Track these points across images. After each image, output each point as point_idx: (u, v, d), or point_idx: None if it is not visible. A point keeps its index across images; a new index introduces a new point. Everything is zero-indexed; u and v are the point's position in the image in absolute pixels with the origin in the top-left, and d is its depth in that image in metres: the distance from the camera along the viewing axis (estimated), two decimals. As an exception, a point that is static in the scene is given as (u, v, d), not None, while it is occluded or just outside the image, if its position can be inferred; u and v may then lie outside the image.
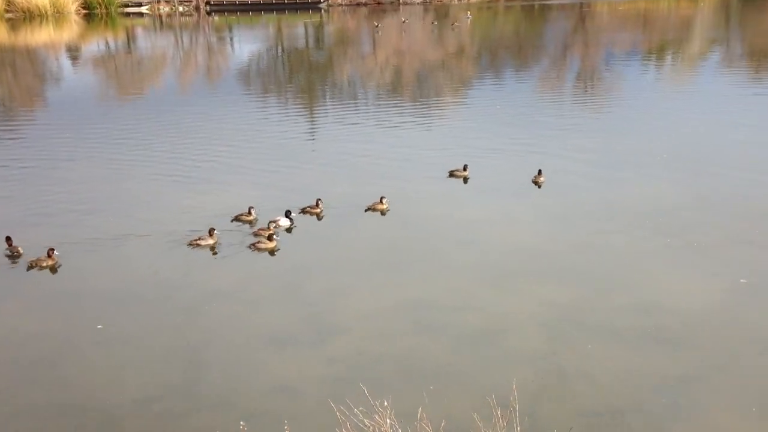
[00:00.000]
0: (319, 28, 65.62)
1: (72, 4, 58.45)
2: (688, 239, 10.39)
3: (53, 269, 10.19)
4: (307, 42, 51.52)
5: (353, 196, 12.72)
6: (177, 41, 50.13)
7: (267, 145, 17.41)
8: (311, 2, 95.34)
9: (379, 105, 22.76)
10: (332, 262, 10.21)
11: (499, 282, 9.26)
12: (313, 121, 20.87)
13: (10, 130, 20.20)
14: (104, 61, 37.61)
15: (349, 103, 23.47)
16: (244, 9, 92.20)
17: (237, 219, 11.72)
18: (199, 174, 14.80)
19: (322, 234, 11.37)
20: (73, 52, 40.99)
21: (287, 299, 9.06)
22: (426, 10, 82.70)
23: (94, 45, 44.90)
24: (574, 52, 37.32)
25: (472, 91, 25.83)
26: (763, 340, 7.64)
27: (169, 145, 17.48)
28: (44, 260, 10.20)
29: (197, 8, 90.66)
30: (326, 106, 23.60)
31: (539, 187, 13.01)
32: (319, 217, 11.91)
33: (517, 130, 17.91)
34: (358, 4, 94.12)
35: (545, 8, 76.83)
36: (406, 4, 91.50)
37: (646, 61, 32.22)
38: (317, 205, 12.00)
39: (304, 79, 31.43)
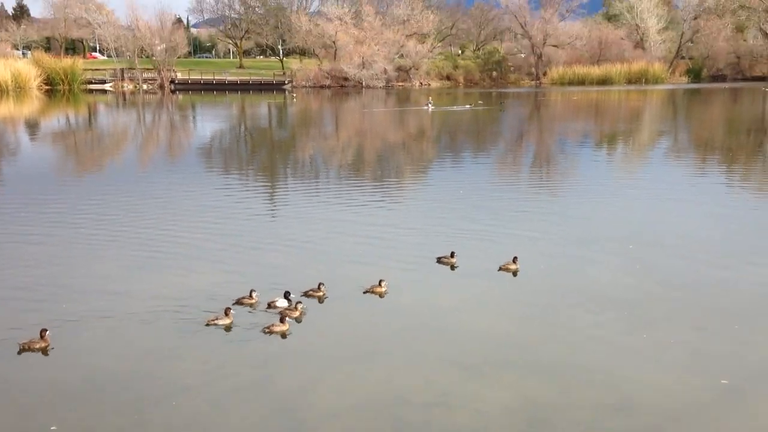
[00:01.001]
0: (283, 108, 66.75)
1: (34, 79, 58.51)
2: (665, 331, 10.29)
3: (45, 351, 9.75)
4: (270, 121, 52.27)
5: (330, 278, 12.60)
6: (140, 118, 50.29)
7: (231, 224, 17.29)
8: (275, 83, 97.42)
9: (342, 185, 22.99)
10: (322, 349, 9.97)
11: (478, 375, 9.09)
12: (276, 200, 20.93)
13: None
14: (64, 136, 37.43)
15: (312, 182, 23.67)
16: (208, 88, 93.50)
17: (239, 303, 11.40)
18: (164, 255, 14.54)
19: (315, 319, 11.12)
20: (33, 128, 40.74)
21: (254, 394, 8.73)
22: (388, 93, 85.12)
23: (54, 120, 44.71)
24: (530, 139, 38.61)
25: (435, 174, 26.34)
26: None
27: (131, 224, 17.23)
28: (37, 342, 9.77)
29: (161, 86, 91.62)
30: (289, 185, 23.74)
31: (515, 275, 13.07)
32: (320, 300, 11.71)
33: (485, 214, 18.19)
34: (321, 86, 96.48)
35: (503, 95, 79.81)
36: (368, 87, 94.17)
37: (599, 149, 33.45)
38: (319, 288, 11.87)
39: (267, 157, 31.70)
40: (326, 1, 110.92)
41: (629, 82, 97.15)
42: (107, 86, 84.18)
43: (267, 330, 10.42)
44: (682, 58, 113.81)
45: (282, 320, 10.47)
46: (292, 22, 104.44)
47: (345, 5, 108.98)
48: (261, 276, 13.00)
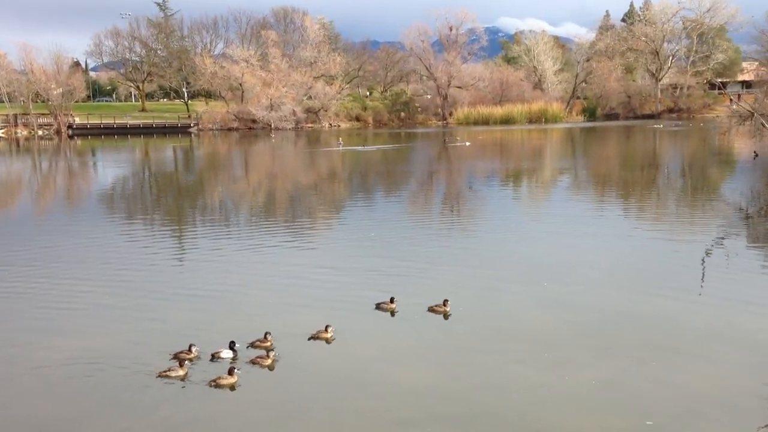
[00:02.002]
0: (189, 151, 65.28)
1: None
2: (587, 371, 10.32)
3: None
4: (176, 165, 50.90)
5: (260, 326, 12.06)
6: (35, 165, 47.82)
7: (137, 276, 16.44)
8: (180, 126, 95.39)
9: (255, 229, 22.44)
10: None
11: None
12: (186, 247, 20.15)
13: None
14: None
15: (224, 228, 22.97)
16: (109, 132, 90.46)
17: (176, 357, 10.88)
18: (60, 315, 13.58)
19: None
20: None
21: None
22: (298, 135, 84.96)
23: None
24: (440, 178, 39.26)
25: (348, 214, 26.21)
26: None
27: (24, 279, 16.08)
28: None
29: (58, 132, 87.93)
30: (200, 231, 22.94)
31: (445, 317, 12.94)
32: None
33: (401, 254, 18.13)
34: (229, 129, 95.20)
35: (411, 135, 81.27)
36: (278, 129, 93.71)
37: (506, 186, 34.37)
38: (266, 338, 11.50)
39: (175, 203, 30.67)
40: (231, 44, 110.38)
41: (530, 121, 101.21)
42: (-1, 132, 79.94)
43: (213, 383, 10.03)
44: (578, 97, 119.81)
45: (230, 372, 10.13)
46: (196, 65, 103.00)
47: (251, 48, 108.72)
48: (192, 327, 12.38)
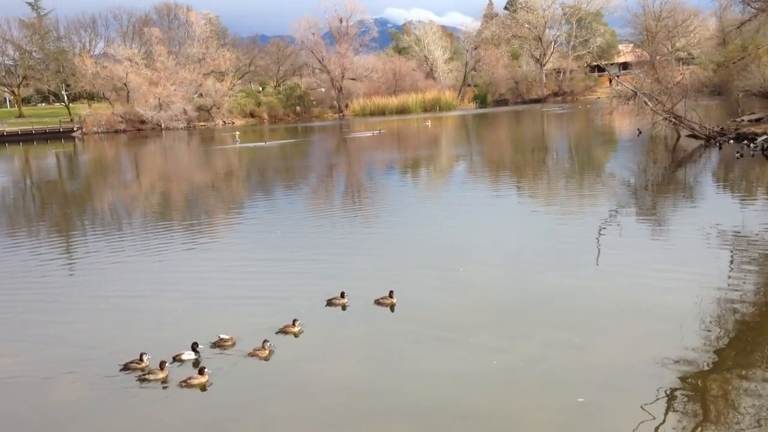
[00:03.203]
0: (73, 157, 61.90)
1: None
2: (514, 353, 10.40)
3: None
4: (60, 172, 48.13)
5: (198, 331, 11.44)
6: None
7: (25, 291, 15.32)
8: (63, 131, 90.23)
9: (150, 235, 21.45)
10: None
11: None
12: (73, 257, 18.99)
13: None
14: None
15: (113, 234, 21.81)
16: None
17: (127, 368, 10.49)
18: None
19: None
20: None
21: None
22: (190, 134, 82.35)
23: None
24: (339, 170, 39.10)
25: (250, 212, 25.59)
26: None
27: None
28: None
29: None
30: (87, 238, 21.69)
31: (392, 309, 12.72)
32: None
33: (313, 249, 17.86)
34: (116, 131, 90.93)
35: (308, 129, 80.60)
36: (168, 129, 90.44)
37: (404, 175, 34.65)
38: (229, 339, 11.34)
39: (59, 211, 28.90)
40: (112, 43, 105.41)
41: (425, 110, 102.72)
42: None
43: (183, 384, 9.88)
44: (469, 85, 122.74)
45: (201, 372, 9.98)
46: (75, 66, 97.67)
47: (134, 46, 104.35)
48: (101, 338, 11.61)
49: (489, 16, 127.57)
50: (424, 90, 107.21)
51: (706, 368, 9.66)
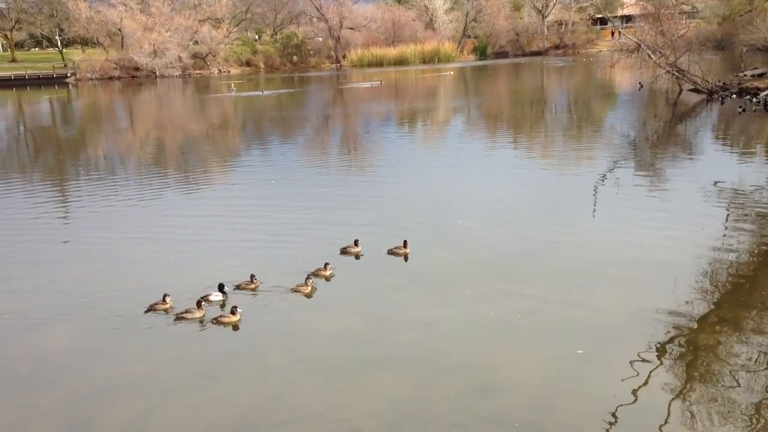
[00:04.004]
0: (67, 103, 61.11)
1: None
2: (512, 306, 10.34)
3: None
4: (53, 119, 47.57)
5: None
6: None
7: (21, 240, 15.21)
8: (56, 77, 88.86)
9: (143, 182, 21.26)
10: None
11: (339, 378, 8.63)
12: (67, 206, 18.83)
13: None
14: None
15: (108, 181, 21.61)
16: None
17: (152, 309, 10.67)
18: None
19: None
20: None
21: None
22: (185, 82, 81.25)
23: None
24: (336, 121, 38.67)
25: (244, 164, 25.36)
26: (604, 414, 7.63)
27: None
28: None
29: None
30: (82, 186, 21.49)
31: (405, 259, 12.65)
32: (254, 292, 11.28)
33: (302, 200, 17.72)
34: (110, 78, 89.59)
35: (305, 79, 79.54)
36: (163, 77, 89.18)
37: (401, 127, 34.28)
38: (252, 280, 11.41)
39: (52, 158, 28.60)
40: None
41: (423, 61, 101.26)
42: None
43: (215, 321, 10.15)
44: (469, 36, 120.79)
45: (233, 311, 10.20)
46: (69, 10, 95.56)
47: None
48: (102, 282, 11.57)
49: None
50: (423, 41, 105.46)
51: (700, 320, 9.67)
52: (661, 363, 8.56)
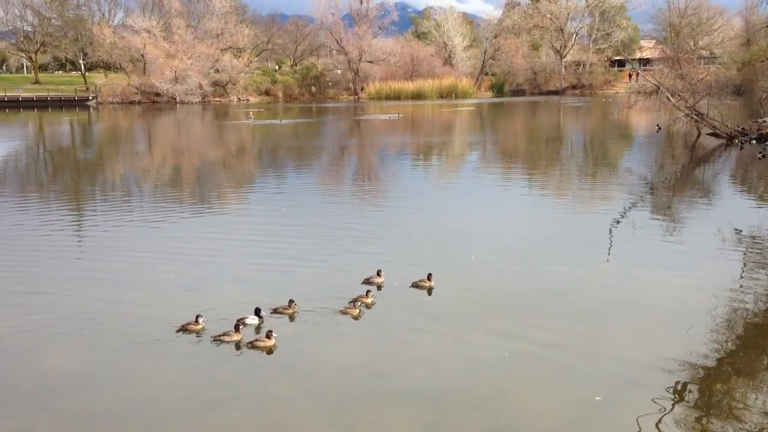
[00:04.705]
0: (87, 126, 61.87)
1: None
2: (527, 345, 10.12)
3: None
4: (73, 140, 48.10)
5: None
6: None
7: (38, 260, 15.20)
8: (78, 99, 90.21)
9: (158, 205, 21.30)
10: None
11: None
12: (83, 226, 18.86)
13: None
14: None
15: (124, 204, 21.67)
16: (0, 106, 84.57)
17: (184, 329, 10.69)
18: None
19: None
20: None
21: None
22: (204, 109, 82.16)
23: None
24: (352, 152, 38.78)
25: (259, 190, 25.39)
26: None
27: None
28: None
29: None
30: (98, 207, 21.56)
31: (429, 293, 12.52)
32: (291, 317, 11.28)
33: (315, 229, 17.63)
34: (131, 102, 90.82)
35: (322, 110, 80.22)
36: (183, 103, 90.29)
37: (417, 160, 34.30)
38: (290, 305, 11.43)
39: (69, 178, 28.79)
40: (132, 13, 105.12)
41: (441, 96, 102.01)
42: None
43: (250, 345, 10.19)
44: (486, 74, 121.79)
45: (268, 336, 10.24)
46: (94, 35, 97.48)
47: (153, 17, 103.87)
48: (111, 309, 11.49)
49: (511, 5, 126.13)
50: (441, 76, 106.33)
51: (716, 367, 9.41)
52: (677, 409, 8.29)
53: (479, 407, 8.47)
